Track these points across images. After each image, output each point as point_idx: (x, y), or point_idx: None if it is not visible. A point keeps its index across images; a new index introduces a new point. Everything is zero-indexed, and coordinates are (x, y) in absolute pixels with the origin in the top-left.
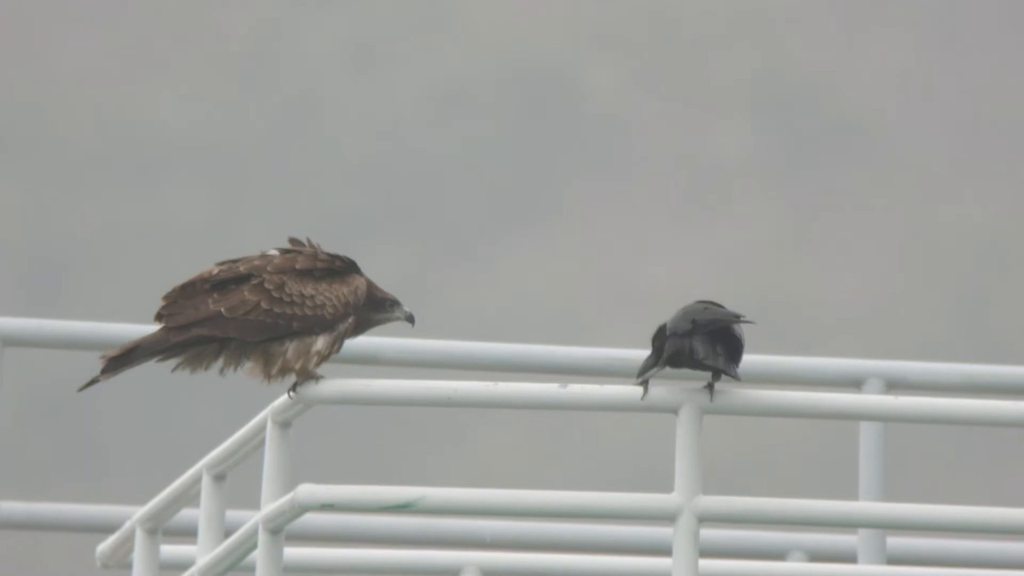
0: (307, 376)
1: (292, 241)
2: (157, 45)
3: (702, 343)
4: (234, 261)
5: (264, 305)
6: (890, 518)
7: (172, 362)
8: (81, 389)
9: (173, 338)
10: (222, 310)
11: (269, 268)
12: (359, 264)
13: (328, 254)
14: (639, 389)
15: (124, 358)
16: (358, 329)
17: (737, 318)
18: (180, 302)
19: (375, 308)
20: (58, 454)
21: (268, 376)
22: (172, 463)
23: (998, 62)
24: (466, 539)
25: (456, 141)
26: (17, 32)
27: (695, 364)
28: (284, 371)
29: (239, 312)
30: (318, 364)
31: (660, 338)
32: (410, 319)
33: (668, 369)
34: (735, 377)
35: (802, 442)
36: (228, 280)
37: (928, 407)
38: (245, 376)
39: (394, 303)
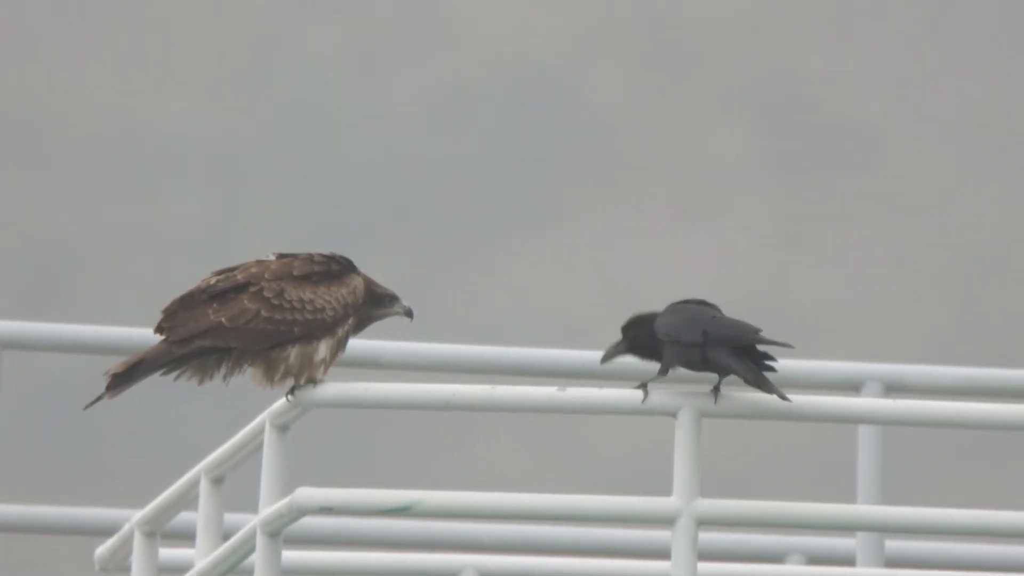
0: (308, 380)
1: (279, 256)
2: (157, 50)
3: (731, 357)
4: (231, 270)
5: (264, 313)
6: (888, 521)
7: (175, 372)
8: (87, 407)
9: (176, 351)
10: (223, 320)
11: (267, 275)
12: (356, 263)
13: (324, 256)
14: (638, 393)
15: (128, 374)
16: (359, 327)
17: (756, 332)
18: (180, 314)
19: (375, 304)
20: (56, 457)
21: (271, 383)
22: (170, 466)
23: (997, 67)
24: (464, 542)
25: (455, 145)
26: (18, 36)
27: (719, 371)
28: (287, 377)
29: (240, 321)
30: (325, 372)
31: (636, 327)
32: (408, 313)
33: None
34: (784, 398)
35: (801, 445)
36: (227, 290)
37: (927, 410)
38: (249, 382)
39: (392, 298)
